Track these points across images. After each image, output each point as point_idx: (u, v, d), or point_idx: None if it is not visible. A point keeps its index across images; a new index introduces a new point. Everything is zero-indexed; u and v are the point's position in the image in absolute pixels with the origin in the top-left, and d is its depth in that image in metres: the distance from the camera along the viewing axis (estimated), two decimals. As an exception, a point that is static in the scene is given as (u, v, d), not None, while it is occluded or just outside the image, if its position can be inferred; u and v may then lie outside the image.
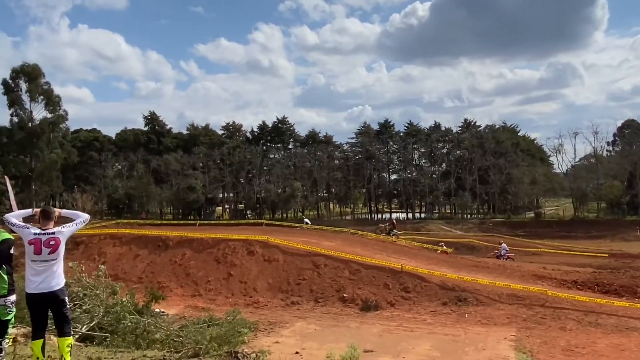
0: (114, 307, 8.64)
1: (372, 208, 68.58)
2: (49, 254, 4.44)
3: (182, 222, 48.62)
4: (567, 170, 65.74)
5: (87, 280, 9.45)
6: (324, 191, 67.34)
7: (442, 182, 63.85)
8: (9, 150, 58.01)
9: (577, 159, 65.30)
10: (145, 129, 68.95)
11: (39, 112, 57.76)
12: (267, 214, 59.90)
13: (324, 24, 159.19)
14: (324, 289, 16.65)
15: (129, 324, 8.30)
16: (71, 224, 4.77)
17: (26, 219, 4.91)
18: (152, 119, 68.04)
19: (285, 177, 62.89)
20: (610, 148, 67.37)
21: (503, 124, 72.98)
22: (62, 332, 4.61)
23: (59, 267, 4.56)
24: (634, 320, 13.04)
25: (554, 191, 66.79)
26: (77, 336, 7.58)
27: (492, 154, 62.33)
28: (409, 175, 67.18)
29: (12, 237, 4.90)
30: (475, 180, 62.06)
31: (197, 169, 61.42)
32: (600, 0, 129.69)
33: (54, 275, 4.49)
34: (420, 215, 66.37)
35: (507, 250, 27.12)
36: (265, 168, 64.50)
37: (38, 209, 4.89)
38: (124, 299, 9.27)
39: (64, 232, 4.62)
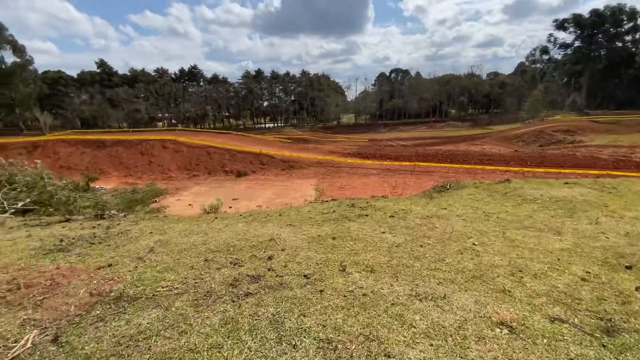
0: (47, 187, 9.19)
1: (254, 121, 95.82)
2: None
3: (117, 129, 58.31)
4: (353, 99, 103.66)
5: (28, 171, 9.89)
6: (225, 112, 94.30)
7: (292, 105, 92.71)
8: (-10, 87, 68.13)
9: (357, 93, 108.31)
10: (99, 70, 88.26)
11: (9, 58, 70.60)
12: (192, 126, 79.79)
13: (217, 6, 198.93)
14: (213, 166, 19.87)
15: (62, 197, 9.15)
16: None
17: None
18: (102, 64, 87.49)
19: (200, 103, 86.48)
20: (373, 87, 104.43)
21: (323, 74, 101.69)
22: None
23: None
24: (373, 170, 17.51)
25: (347, 110, 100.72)
26: (12, 210, 7.84)
27: (317, 90, 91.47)
28: (274, 102, 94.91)
29: None
30: (309, 105, 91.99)
31: (139, 98, 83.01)
32: (370, 6, 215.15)
33: None
34: (280, 124, 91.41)
35: None
36: (186, 97, 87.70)
37: None
38: (67, 181, 10.57)
39: None
